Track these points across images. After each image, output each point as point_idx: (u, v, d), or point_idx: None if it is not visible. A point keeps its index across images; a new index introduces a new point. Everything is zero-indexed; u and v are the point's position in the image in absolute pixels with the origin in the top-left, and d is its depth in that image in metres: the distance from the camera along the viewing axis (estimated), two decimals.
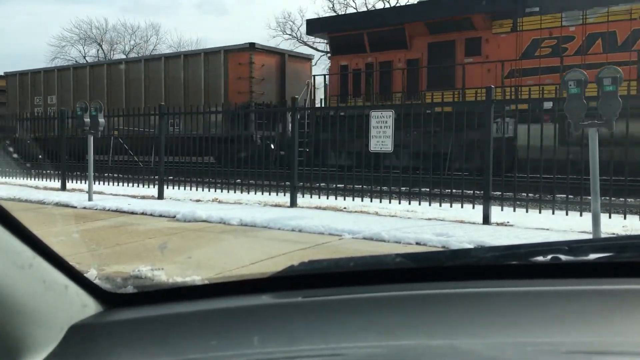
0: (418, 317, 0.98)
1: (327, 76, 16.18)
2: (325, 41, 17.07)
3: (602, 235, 5.43)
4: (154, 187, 9.89)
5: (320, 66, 32.41)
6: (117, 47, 45.46)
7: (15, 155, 13.37)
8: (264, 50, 17.40)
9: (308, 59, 19.58)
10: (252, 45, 16.88)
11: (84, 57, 43.74)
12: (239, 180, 9.30)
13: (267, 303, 1.08)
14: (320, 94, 16.44)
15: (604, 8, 12.08)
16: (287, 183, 8.62)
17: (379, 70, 15.00)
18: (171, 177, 10.17)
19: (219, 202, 8.89)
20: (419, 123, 7.92)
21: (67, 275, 1.01)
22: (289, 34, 39.73)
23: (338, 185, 8.73)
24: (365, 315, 0.99)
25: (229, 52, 17.01)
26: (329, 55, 16.62)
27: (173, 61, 18.37)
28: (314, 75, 17.25)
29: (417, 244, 5.51)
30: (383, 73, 14.95)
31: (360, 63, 15.43)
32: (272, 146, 12.62)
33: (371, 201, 8.06)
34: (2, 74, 24.20)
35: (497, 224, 6.59)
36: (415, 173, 8.36)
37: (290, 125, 9.99)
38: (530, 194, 7.09)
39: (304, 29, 41.70)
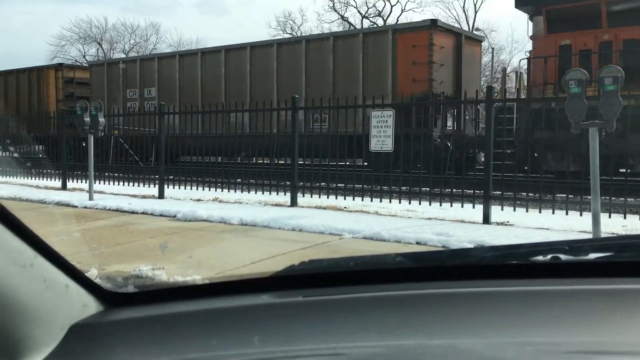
0: (418, 317, 0.98)
1: (533, 60, 12.73)
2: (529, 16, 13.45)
3: (602, 235, 5.43)
4: (154, 186, 9.90)
5: None
6: (116, 47, 45.55)
7: (15, 155, 13.37)
8: (443, 30, 14.29)
9: (479, 41, 16.51)
10: (433, 22, 13.94)
11: (84, 56, 43.80)
12: (239, 180, 9.30)
13: (268, 303, 1.08)
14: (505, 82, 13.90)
15: None
16: (288, 182, 8.62)
17: (626, 51, 11.63)
18: (172, 177, 10.17)
19: (220, 201, 8.89)
20: None
21: (67, 274, 1.02)
22: (289, 33, 39.75)
23: (338, 185, 8.72)
24: (366, 315, 0.99)
25: (400, 31, 14.23)
26: (530, 35, 13.36)
27: (316, 44, 15.50)
28: (529, 59, 13.13)
29: (418, 243, 5.51)
30: (632, 54, 11.48)
31: (590, 42, 12.21)
32: (450, 146, 10.95)
33: (371, 201, 8.07)
34: (86, 64, 21.90)
35: (497, 224, 6.59)
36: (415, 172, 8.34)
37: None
38: (530, 194, 7.09)
39: (304, 28, 41.79)
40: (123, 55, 40.73)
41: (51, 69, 21.82)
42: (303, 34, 36.19)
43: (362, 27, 37.25)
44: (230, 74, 16.75)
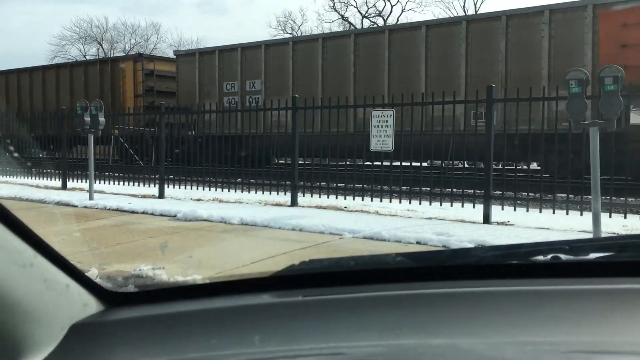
0: (418, 317, 0.98)
1: None
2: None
3: (603, 235, 5.43)
4: (154, 186, 9.90)
5: None
6: (117, 46, 45.59)
7: (15, 154, 13.36)
8: None
9: None
10: None
11: (84, 55, 43.81)
12: (239, 180, 9.30)
13: (268, 302, 1.08)
14: None
15: None
16: (288, 182, 8.62)
17: None
18: (172, 177, 10.17)
19: (220, 201, 8.89)
20: None
21: (68, 274, 1.02)
22: (290, 33, 39.79)
23: (338, 185, 8.72)
24: (366, 315, 0.99)
25: (604, 6, 11.49)
26: None
27: (482, 26, 13.02)
28: None
29: (418, 243, 5.51)
30: None
31: None
32: None
33: (372, 200, 8.06)
34: (173, 55, 19.07)
35: (498, 223, 6.59)
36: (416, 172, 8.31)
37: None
38: (530, 194, 7.09)
39: (304, 27, 41.82)
40: (124, 55, 40.71)
41: (128, 60, 19.74)
42: (309, 34, 35.97)
43: (362, 26, 37.23)
44: (360, 62, 14.39)
